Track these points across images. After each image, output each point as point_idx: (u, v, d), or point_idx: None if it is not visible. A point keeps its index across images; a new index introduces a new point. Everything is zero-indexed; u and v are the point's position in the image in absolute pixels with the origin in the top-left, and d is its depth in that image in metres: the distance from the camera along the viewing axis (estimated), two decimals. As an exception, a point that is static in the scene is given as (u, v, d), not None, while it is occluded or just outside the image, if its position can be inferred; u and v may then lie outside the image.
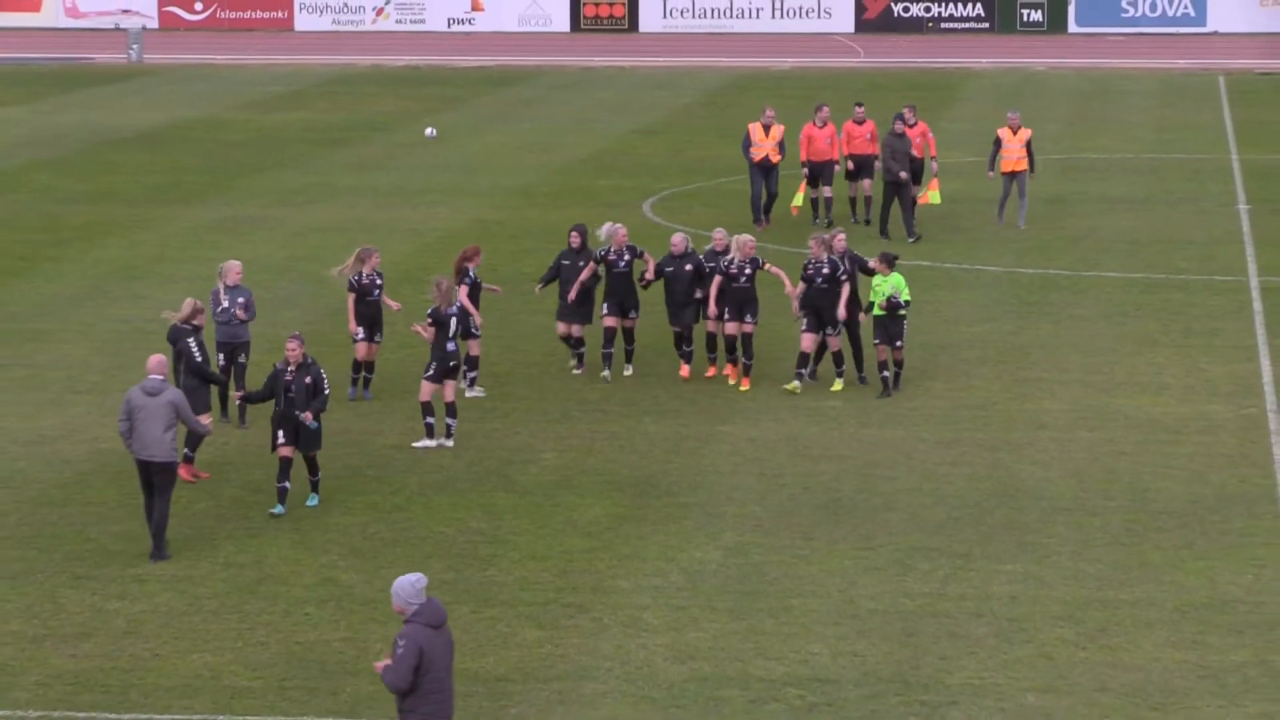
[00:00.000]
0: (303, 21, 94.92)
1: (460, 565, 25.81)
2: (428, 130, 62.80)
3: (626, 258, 33.87)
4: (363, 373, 32.94)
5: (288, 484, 27.41)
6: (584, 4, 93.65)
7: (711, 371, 33.96)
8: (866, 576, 25.34)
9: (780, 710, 21.55)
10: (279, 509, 27.35)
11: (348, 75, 79.63)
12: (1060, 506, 27.97)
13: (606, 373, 33.81)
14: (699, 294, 33.53)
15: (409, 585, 18.44)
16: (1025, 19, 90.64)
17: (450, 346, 30.18)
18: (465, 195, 52.23)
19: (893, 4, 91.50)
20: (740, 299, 32.97)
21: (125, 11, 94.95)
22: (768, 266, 33.32)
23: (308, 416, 27.20)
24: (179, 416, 25.97)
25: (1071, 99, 70.54)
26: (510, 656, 22.99)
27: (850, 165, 46.67)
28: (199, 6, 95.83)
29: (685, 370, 33.86)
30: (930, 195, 45.56)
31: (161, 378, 26.15)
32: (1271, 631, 23.60)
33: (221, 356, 31.33)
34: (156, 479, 25.97)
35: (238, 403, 30.28)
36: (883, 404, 32.32)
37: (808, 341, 32.98)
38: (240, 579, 25.35)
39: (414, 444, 30.50)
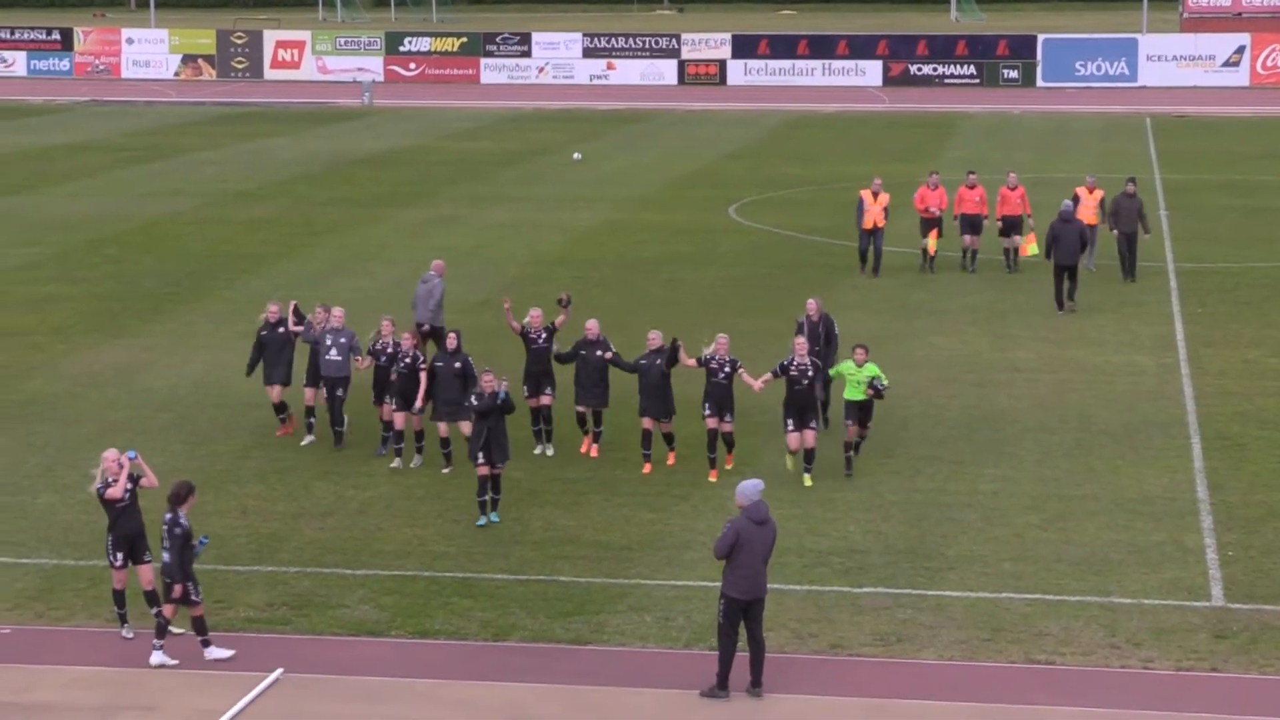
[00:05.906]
0: (487, 77, 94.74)
1: (596, 467, 25.80)
2: (574, 155, 62.76)
3: (544, 336, 26.62)
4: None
5: (485, 497, 23.43)
6: (687, 65, 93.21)
7: (668, 460, 26.02)
8: (888, 478, 25.19)
9: (826, 572, 21.44)
10: (482, 521, 23.39)
11: (518, 115, 79.53)
12: (1028, 428, 27.71)
13: (540, 449, 26.76)
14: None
15: (748, 488, 17.89)
16: (1005, 76, 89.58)
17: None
18: (600, 201, 52.05)
19: (909, 65, 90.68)
20: (719, 396, 25.26)
21: (360, 69, 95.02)
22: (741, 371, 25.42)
23: (492, 382, 23.42)
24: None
25: (1039, 135, 69.75)
26: (632, 532, 22.96)
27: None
28: (413, 65, 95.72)
29: (593, 450, 26.55)
30: (1029, 247, 39.50)
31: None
32: (1181, 519, 23.35)
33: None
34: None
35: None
36: (899, 352, 31.82)
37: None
38: (440, 477, 25.39)
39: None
